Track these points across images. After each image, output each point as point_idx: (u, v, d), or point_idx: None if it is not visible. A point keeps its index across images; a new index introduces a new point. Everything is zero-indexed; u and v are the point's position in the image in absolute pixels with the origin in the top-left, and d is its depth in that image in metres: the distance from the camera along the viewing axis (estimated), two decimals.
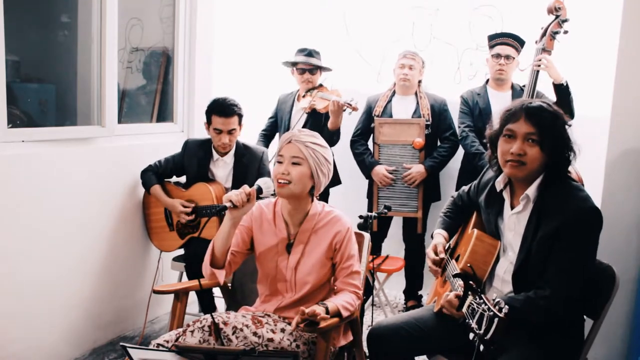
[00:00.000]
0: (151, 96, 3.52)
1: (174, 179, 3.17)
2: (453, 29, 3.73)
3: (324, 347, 1.85)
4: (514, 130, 1.83)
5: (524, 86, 3.25)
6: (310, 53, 3.54)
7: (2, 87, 2.42)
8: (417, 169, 3.41)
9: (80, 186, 2.79)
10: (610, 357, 2.86)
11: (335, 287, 2.03)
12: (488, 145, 1.96)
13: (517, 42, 3.23)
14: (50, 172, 2.63)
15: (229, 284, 2.38)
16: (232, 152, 3.03)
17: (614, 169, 2.81)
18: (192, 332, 1.80)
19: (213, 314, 1.86)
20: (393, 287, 3.87)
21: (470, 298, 1.61)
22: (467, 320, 1.58)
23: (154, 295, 2.66)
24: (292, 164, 1.96)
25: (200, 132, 3.35)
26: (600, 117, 2.93)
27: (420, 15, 3.82)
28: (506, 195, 1.95)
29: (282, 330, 1.91)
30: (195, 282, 2.26)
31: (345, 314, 1.90)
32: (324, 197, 3.49)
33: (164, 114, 3.55)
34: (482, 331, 1.48)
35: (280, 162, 1.99)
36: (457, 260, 2.05)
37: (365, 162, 3.51)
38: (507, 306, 1.47)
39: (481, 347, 1.49)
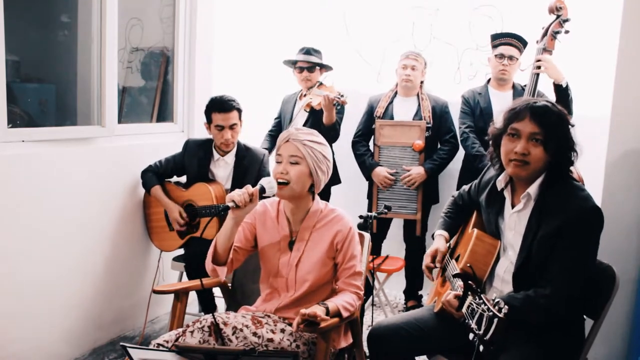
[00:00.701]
0: (151, 96, 3.52)
1: (175, 178, 3.17)
2: (453, 29, 3.73)
3: (324, 348, 1.85)
4: (518, 130, 1.82)
5: (525, 86, 3.25)
6: (308, 51, 3.54)
7: (2, 87, 2.42)
8: (417, 171, 3.41)
9: (80, 186, 2.79)
10: (610, 357, 2.86)
11: (337, 287, 2.02)
12: (490, 142, 1.96)
13: (520, 42, 3.22)
14: (50, 172, 2.63)
15: (229, 284, 2.38)
16: (233, 152, 3.03)
17: (614, 169, 2.81)
18: (192, 332, 1.80)
19: (213, 314, 1.86)
20: (393, 287, 3.87)
21: (469, 298, 1.61)
22: (466, 321, 1.58)
23: (154, 295, 2.66)
24: (290, 164, 1.96)
25: (201, 132, 3.35)
26: (600, 117, 2.93)
27: (420, 15, 3.81)
28: (507, 194, 1.95)
29: (282, 331, 1.91)
30: (195, 282, 2.26)
31: (345, 314, 1.90)
32: (326, 196, 3.48)
33: (164, 113, 3.55)
34: (481, 331, 1.48)
35: (279, 162, 1.99)
36: (457, 260, 2.05)
37: (366, 164, 3.51)
38: (506, 306, 1.47)
39: (481, 348, 1.49)
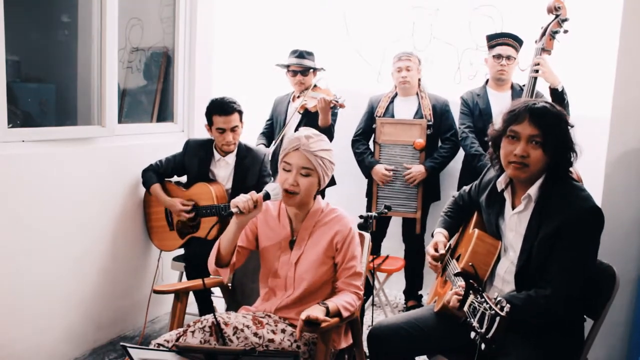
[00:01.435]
0: (151, 96, 3.52)
1: (175, 178, 3.17)
2: (453, 29, 3.73)
3: (324, 348, 1.85)
4: (517, 132, 1.82)
5: (523, 85, 3.26)
6: (301, 54, 3.54)
7: (2, 87, 2.42)
8: (418, 169, 3.41)
9: (80, 186, 2.79)
10: (610, 357, 2.86)
11: (337, 287, 2.03)
12: (490, 144, 1.96)
13: (517, 42, 3.23)
14: (50, 172, 2.63)
15: (229, 284, 2.38)
16: (234, 152, 3.03)
17: (614, 169, 2.81)
18: (193, 332, 1.80)
19: (214, 314, 1.86)
20: (393, 287, 3.87)
21: (471, 297, 1.62)
22: (468, 319, 1.58)
23: (154, 295, 2.66)
24: (301, 175, 1.95)
25: (201, 132, 3.35)
26: (600, 117, 2.93)
27: (420, 15, 3.82)
28: (507, 195, 1.95)
29: (283, 331, 1.91)
30: (195, 282, 2.26)
31: (345, 314, 1.91)
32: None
33: (164, 113, 3.55)
34: (483, 330, 1.48)
35: (287, 170, 1.96)
36: (457, 260, 2.05)
37: (365, 162, 3.52)
38: (508, 305, 1.48)
39: (482, 346, 1.49)
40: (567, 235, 1.75)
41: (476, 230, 2.00)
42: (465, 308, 1.63)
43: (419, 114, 3.46)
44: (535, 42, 2.96)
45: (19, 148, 2.52)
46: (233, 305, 2.33)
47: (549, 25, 2.89)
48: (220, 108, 2.92)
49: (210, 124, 2.98)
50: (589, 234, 1.77)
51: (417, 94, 3.52)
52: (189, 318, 2.66)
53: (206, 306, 3.00)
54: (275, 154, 3.40)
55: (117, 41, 3.01)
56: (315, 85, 3.55)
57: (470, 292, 1.63)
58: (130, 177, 3.09)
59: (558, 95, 2.92)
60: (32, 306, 2.61)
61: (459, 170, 3.52)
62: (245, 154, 3.03)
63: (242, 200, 1.87)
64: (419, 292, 3.69)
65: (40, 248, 2.62)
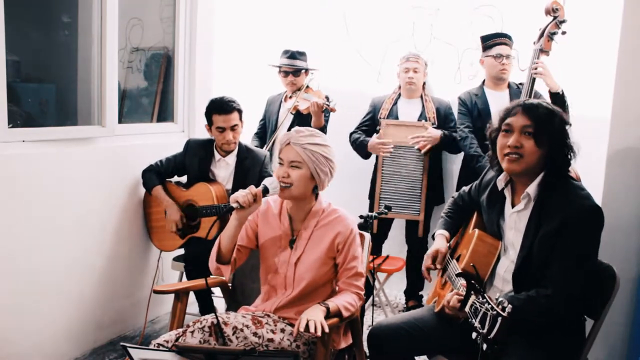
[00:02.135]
0: (151, 96, 3.53)
1: (175, 178, 3.17)
2: (453, 29, 3.73)
3: (324, 349, 1.84)
4: (510, 124, 1.85)
5: (520, 84, 3.29)
6: (293, 55, 3.54)
7: (2, 87, 2.42)
8: (432, 133, 3.37)
9: (81, 186, 2.79)
10: (610, 357, 2.86)
11: (337, 288, 2.03)
12: (489, 145, 1.97)
13: (511, 40, 3.28)
14: (50, 172, 2.63)
15: (229, 284, 2.38)
16: (235, 153, 3.03)
17: (614, 169, 2.81)
18: (192, 332, 1.80)
19: (215, 313, 1.86)
20: (393, 287, 3.87)
21: (473, 297, 1.62)
22: (470, 320, 1.58)
23: (154, 295, 2.66)
24: (291, 167, 1.96)
25: (201, 132, 3.36)
26: (600, 117, 2.93)
27: (420, 15, 3.82)
28: (507, 193, 1.96)
29: (282, 331, 1.91)
30: (196, 282, 2.26)
31: (346, 314, 1.91)
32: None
33: (164, 114, 3.55)
34: (485, 330, 1.49)
35: (280, 164, 1.99)
36: (458, 260, 2.05)
37: (361, 143, 3.51)
38: (510, 305, 1.48)
39: (485, 347, 1.49)
40: (567, 234, 1.76)
41: (476, 231, 2.01)
42: (467, 309, 1.63)
43: (422, 117, 3.46)
44: (534, 43, 2.97)
45: (19, 148, 2.53)
46: (233, 305, 2.33)
47: (547, 26, 2.92)
48: (219, 107, 2.92)
49: (210, 123, 2.98)
50: (590, 233, 1.78)
51: (421, 96, 3.52)
52: (189, 318, 2.65)
53: (207, 306, 3.01)
54: (270, 153, 3.40)
55: (117, 41, 3.01)
56: (307, 87, 3.55)
57: (472, 292, 1.63)
58: (130, 177, 3.09)
59: (559, 99, 2.94)
60: (32, 306, 2.61)
61: (458, 171, 3.52)
62: (245, 155, 3.03)
63: (241, 194, 1.88)
64: (420, 292, 3.69)
65: (40, 248, 2.62)
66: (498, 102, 3.19)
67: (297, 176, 1.95)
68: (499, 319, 1.46)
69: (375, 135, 3.49)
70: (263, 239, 2.09)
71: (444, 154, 3.62)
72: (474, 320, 1.56)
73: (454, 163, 3.50)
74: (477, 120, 3.28)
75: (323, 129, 3.36)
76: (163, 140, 3.36)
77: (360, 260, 2.04)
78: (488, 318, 1.49)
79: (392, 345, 1.94)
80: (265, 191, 1.93)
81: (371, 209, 3.56)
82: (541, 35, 2.93)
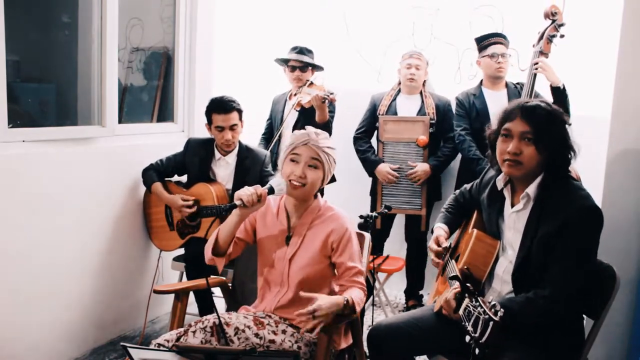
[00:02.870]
0: (151, 96, 3.52)
1: (175, 177, 3.17)
2: (453, 29, 3.73)
3: (324, 349, 1.84)
4: (510, 130, 1.84)
5: (517, 83, 3.30)
6: (301, 51, 3.54)
7: (2, 87, 2.42)
8: (422, 168, 3.42)
9: (81, 186, 2.79)
10: (610, 357, 2.86)
11: (341, 286, 2.01)
12: (489, 147, 1.97)
13: (506, 39, 3.29)
14: (50, 172, 2.63)
15: (229, 284, 2.38)
16: (235, 152, 3.03)
17: (614, 169, 2.81)
18: (194, 332, 1.80)
19: (218, 314, 1.86)
20: (393, 287, 3.87)
21: (466, 300, 1.61)
22: (463, 323, 1.58)
23: (154, 295, 2.66)
24: (309, 167, 1.97)
25: (201, 132, 3.35)
26: (600, 117, 2.93)
27: (420, 15, 3.82)
28: (507, 193, 1.96)
29: (284, 332, 1.91)
30: (196, 282, 2.26)
31: (357, 309, 1.92)
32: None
33: (164, 113, 3.55)
34: (477, 334, 1.48)
35: (295, 161, 1.99)
36: (456, 260, 2.05)
37: (369, 160, 3.52)
38: (502, 309, 1.47)
39: (477, 351, 1.49)
40: (567, 234, 1.75)
41: (475, 231, 2.01)
42: (460, 312, 1.63)
43: (422, 112, 3.47)
44: (533, 45, 2.98)
45: (19, 148, 2.52)
46: (233, 305, 2.33)
47: (545, 29, 2.96)
48: (219, 106, 2.92)
49: (209, 122, 2.98)
50: (589, 234, 1.77)
51: (420, 93, 3.53)
52: (189, 318, 2.66)
53: (206, 306, 3.01)
54: (273, 152, 3.40)
55: (117, 41, 3.01)
56: (311, 82, 3.55)
57: (466, 295, 1.63)
58: (130, 177, 3.09)
59: (560, 94, 2.94)
60: (32, 306, 2.61)
61: (457, 170, 3.52)
62: (246, 155, 3.03)
63: (246, 193, 1.89)
64: (420, 292, 3.69)
65: (40, 248, 2.62)
66: (496, 101, 3.19)
67: (314, 177, 1.97)
68: (491, 323, 1.45)
69: (382, 164, 3.47)
70: (260, 234, 2.10)
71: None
72: (467, 323, 1.56)
73: (453, 161, 3.51)
74: (476, 120, 3.28)
75: (328, 124, 3.34)
76: (163, 140, 3.36)
77: (359, 259, 2.04)
78: (480, 322, 1.49)
79: (392, 345, 1.94)
80: (271, 191, 1.94)
81: (373, 206, 3.57)
82: (540, 38, 2.96)
